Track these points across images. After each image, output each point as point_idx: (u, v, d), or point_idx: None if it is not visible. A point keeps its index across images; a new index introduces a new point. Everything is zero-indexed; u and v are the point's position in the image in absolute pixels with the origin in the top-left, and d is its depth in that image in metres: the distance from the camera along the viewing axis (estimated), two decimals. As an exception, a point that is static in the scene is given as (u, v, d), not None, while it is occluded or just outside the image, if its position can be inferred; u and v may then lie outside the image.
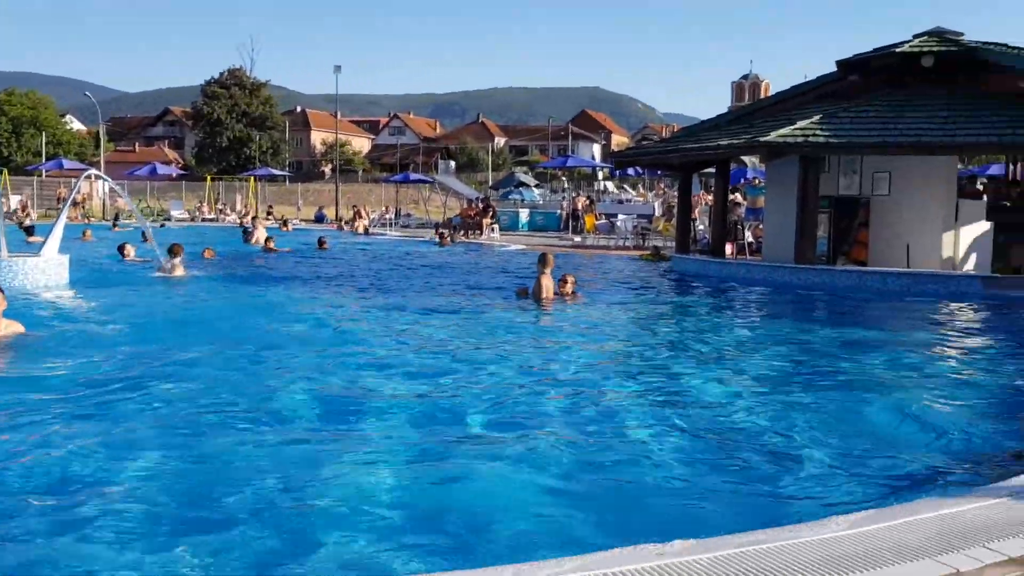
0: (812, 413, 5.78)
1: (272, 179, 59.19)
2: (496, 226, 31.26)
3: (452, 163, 70.80)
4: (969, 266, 13.83)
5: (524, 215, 37.05)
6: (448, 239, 25.91)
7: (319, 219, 42.20)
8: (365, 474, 4.30)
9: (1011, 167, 21.23)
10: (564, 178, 59.02)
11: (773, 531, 3.06)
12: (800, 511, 3.73)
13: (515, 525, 3.81)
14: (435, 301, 11.61)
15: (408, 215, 42.89)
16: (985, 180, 24.59)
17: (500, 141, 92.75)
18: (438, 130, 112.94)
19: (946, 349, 8.60)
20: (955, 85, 15.11)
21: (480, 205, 33.86)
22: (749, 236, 20.09)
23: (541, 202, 43.27)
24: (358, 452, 4.68)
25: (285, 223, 33.19)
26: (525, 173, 57.82)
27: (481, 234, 29.75)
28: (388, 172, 72.21)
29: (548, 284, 10.99)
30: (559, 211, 36.86)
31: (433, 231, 30.23)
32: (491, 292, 12.75)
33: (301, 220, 41.31)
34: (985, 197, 16.86)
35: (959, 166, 17.54)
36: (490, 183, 57.15)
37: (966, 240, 14.10)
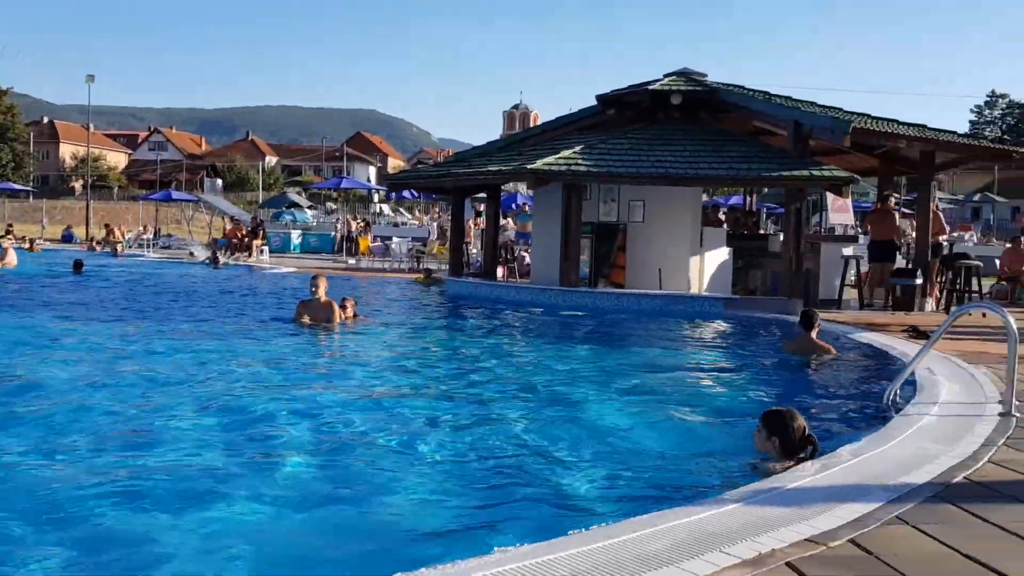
0: (566, 428, 6.02)
1: (13, 195, 53.94)
2: (266, 248, 30.25)
3: (219, 181, 67.77)
4: (713, 288, 15.02)
5: (296, 237, 36.14)
6: (219, 261, 24.80)
7: (67, 239, 38.97)
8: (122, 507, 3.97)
9: (748, 198, 23.39)
10: (339, 199, 58.24)
11: (522, 548, 3.13)
12: (552, 526, 3.85)
13: (267, 555, 3.67)
14: (207, 327, 11.03)
15: (169, 236, 40.54)
16: (727, 210, 26.94)
17: (272, 160, 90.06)
18: (204, 147, 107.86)
19: (691, 365, 9.27)
20: (699, 122, 16.46)
21: (249, 226, 32.64)
22: (527, 258, 20.72)
23: (315, 224, 42.39)
24: (120, 481, 4.32)
25: (32, 244, 30.31)
26: (298, 194, 56.42)
27: (250, 256, 28.67)
28: (147, 189, 67.94)
29: (326, 307, 10.75)
30: (333, 233, 36.28)
31: (189, 254, 28.77)
32: (265, 316, 12.30)
33: (47, 240, 37.94)
34: (725, 225, 18.44)
35: (704, 196, 19.09)
36: (260, 203, 55.26)
37: (710, 264, 15.32)
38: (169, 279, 19.89)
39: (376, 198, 52.88)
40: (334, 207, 53.65)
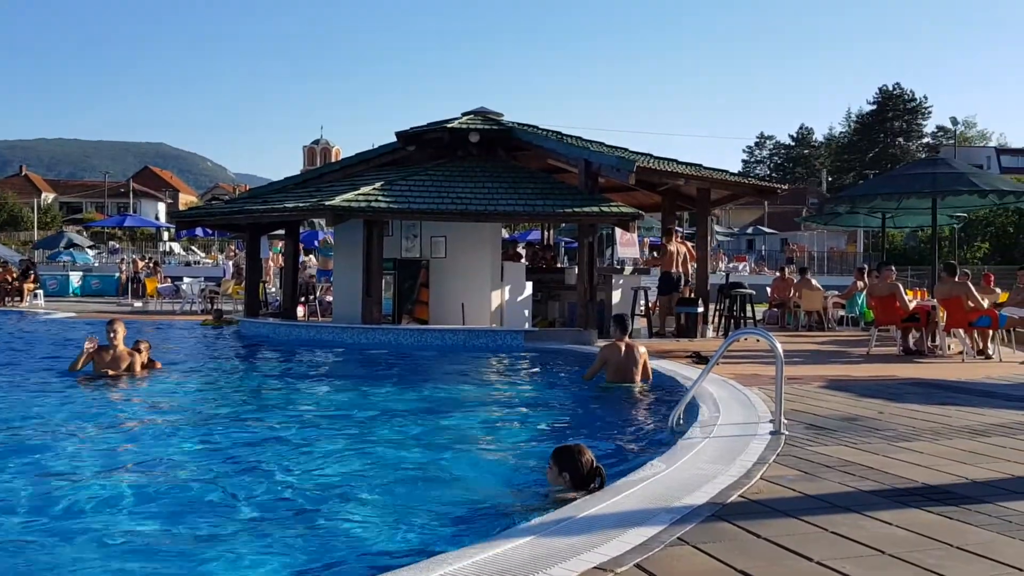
0: (363, 467, 5.92)
1: None
2: (40, 292, 27.91)
3: (-13, 220, 62.10)
4: (514, 320, 15.34)
5: (76, 279, 33.64)
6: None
7: None
8: None
9: (546, 233, 24.17)
10: (124, 238, 54.81)
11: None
12: (344, 572, 3.76)
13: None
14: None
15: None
16: (525, 244, 27.70)
17: (48, 197, 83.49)
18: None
19: (491, 399, 9.38)
20: (497, 159, 16.87)
21: (20, 268, 29.98)
22: (328, 296, 20.28)
23: (96, 264, 39.66)
24: None
25: None
26: (78, 232, 52.66)
27: (22, 301, 26.35)
28: (-100, 229, 61.08)
29: (126, 355, 9.97)
30: (118, 274, 34.08)
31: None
32: (41, 368, 11.30)
33: None
34: (524, 260, 18.94)
35: (504, 232, 19.52)
36: (35, 243, 51.04)
37: (511, 298, 15.66)
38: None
39: (166, 236, 50.27)
40: (118, 246, 50.50)
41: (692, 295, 16.03)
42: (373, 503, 5.10)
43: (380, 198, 14.55)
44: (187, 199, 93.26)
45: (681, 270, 15.71)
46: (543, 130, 17.46)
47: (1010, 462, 5.45)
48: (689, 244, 16.92)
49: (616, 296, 16.65)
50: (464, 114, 17.51)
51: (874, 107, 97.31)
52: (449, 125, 16.66)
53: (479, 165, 16.39)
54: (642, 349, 9.64)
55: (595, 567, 3.36)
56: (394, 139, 17.58)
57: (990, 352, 12.43)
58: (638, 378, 9.42)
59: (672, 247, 15.79)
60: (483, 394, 9.72)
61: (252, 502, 5.16)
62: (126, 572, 4.02)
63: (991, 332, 12.57)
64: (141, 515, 4.88)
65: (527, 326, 15.21)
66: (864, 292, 17.10)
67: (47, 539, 4.47)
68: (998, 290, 16.89)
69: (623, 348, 9.50)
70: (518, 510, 4.80)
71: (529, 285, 16.06)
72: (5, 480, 5.60)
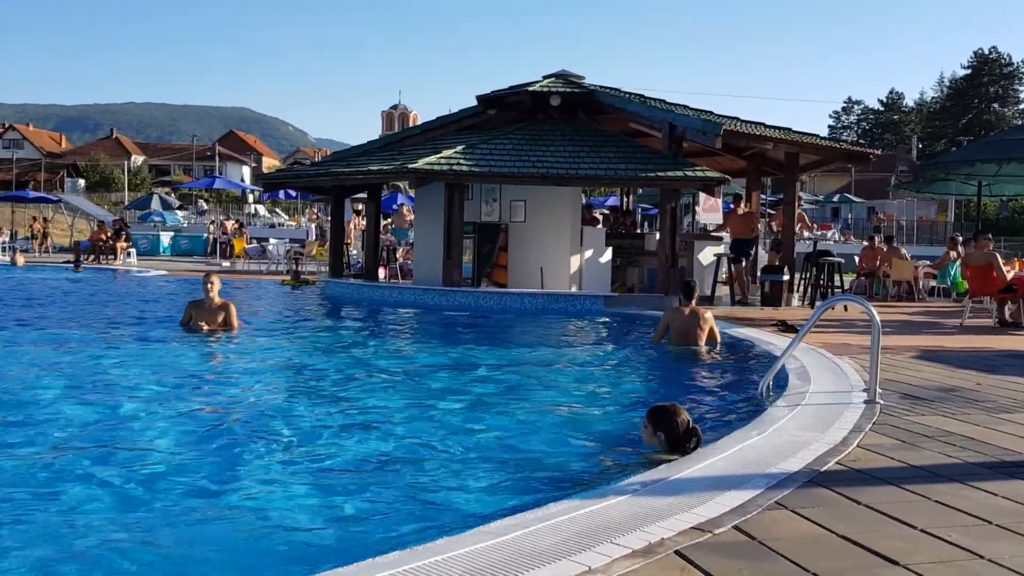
0: (453, 427, 6.02)
1: None
2: (132, 250, 28.95)
3: (81, 181, 64.48)
4: (593, 286, 15.29)
5: (166, 239, 34.77)
6: (79, 265, 23.60)
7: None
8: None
9: (624, 198, 23.95)
10: (211, 200, 56.30)
11: (412, 551, 3.09)
12: (441, 527, 3.83)
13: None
14: (82, 334, 10.45)
15: (27, 239, 38.26)
16: (606, 210, 27.50)
17: (138, 159, 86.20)
18: (64, 145, 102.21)
19: (575, 362, 9.40)
20: (578, 123, 16.73)
21: (113, 227, 31.15)
22: (406, 260, 20.56)
23: (185, 225, 40.86)
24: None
25: None
26: (167, 194, 54.28)
27: (115, 259, 27.39)
28: (2, 190, 63.89)
29: (222, 307, 10.22)
30: (206, 235, 35.08)
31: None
32: (146, 322, 11.76)
33: None
34: (601, 224, 18.82)
35: (583, 196, 19.41)
36: (126, 204, 52.84)
37: (590, 263, 15.60)
38: (31, 285, 18.76)
39: (251, 199, 51.45)
40: (206, 208, 51.88)
41: (779, 263, 15.72)
42: (468, 462, 5.17)
43: (462, 161, 14.61)
44: (270, 163, 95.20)
45: (752, 236, 15.54)
46: (626, 93, 17.22)
47: (1122, 438, 5.23)
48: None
49: (700, 262, 16.43)
50: (545, 77, 17.38)
51: (968, 71, 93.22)
52: (530, 88, 16.57)
53: (560, 128, 16.29)
54: (708, 315, 9.60)
55: (693, 527, 3.36)
56: (474, 103, 17.58)
57: (1093, 326, 11.89)
58: (702, 342, 9.43)
59: (740, 211, 15.51)
60: (566, 357, 9.75)
61: (343, 464, 5.29)
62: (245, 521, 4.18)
63: (1095, 305, 12.01)
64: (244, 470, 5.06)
65: (607, 291, 15.14)
66: (957, 262, 16.52)
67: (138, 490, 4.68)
68: (1103, 262, 16.11)
69: (686, 312, 9.54)
70: (612, 470, 4.82)
71: (609, 250, 15.96)
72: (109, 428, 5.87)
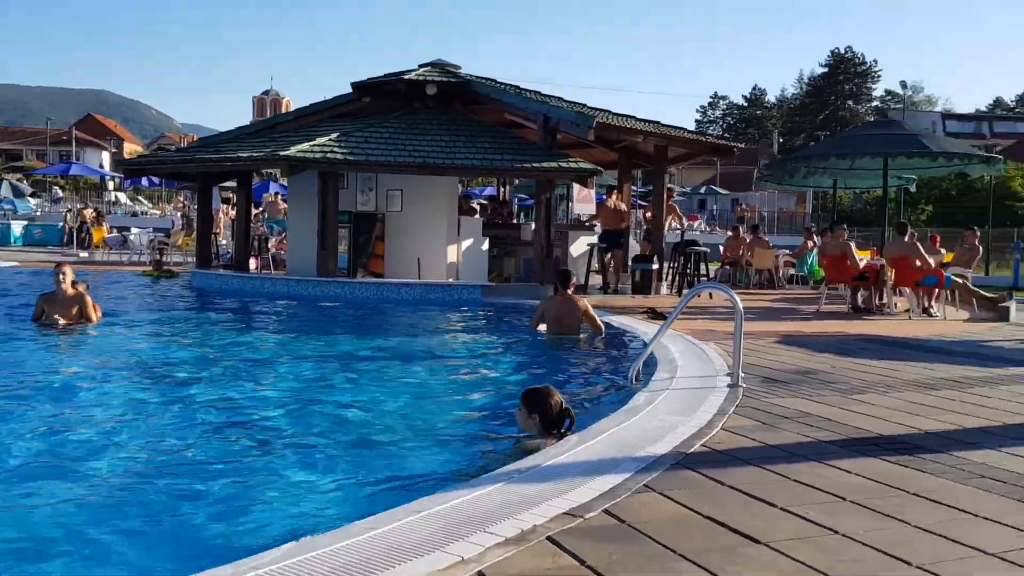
0: (324, 420, 5.90)
1: None
2: (-21, 240, 27.09)
3: (-80, 166, 59.86)
4: (470, 276, 15.31)
5: (17, 228, 32.69)
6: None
7: None
8: None
9: (501, 189, 24.07)
10: (67, 187, 53.31)
11: (279, 550, 3.00)
12: (310, 523, 3.75)
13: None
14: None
15: None
16: (484, 201, 27.56)
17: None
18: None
19: (452, 352, 9.40)
20: (454, 112, 16.68)
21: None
22: (278, 250, 20.03)
23: (39, 213, 38.53)
24: None
25: None
26: (19, 181, 51.06)
27: (-40, 249, 25.56)
28: None
29: (75, 298, 9.62)
30: (62, 224, 33.20)
31: None
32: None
33: None
34: (478, 215, 18.86)
35: (460, 186, 19.38)
36: (-27, 191, 49.35)
37: (467, 253, 15.60)
38: None
39: (111, 186, 48.99)
40: (61, 195, 49.11)
41: (649, 252, 16.15)
42: (338, 458, 5.08)
43: (336, 149, 14.33)
44: (132, 148, 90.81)
45: (622, 227, 15.97)
46: (501, 84, 17.28)
47: (960, 414, 5.63)
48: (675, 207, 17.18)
49: (573, 252, 16.69)
50: (421, 66, 17.25)
51: (825, 69, 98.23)
52: (406, 76, 16.40)
53: (436, 118, 16.20)
54: (582, 302, 9.79)
55: (564, 512, 3.40)
56: (349, 90, 17.26)
57: (934, 311, 12.76)
58: (578, 329, 9.62)
59: (611, 203, 15.89)
60: (442, 347, 9.73)
61: (210, 457, 5.11)
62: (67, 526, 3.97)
63: (936, 291, 12.89)
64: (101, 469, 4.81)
65: (484, 281, 15.19)
66: (814, 251, 17.38)
67: None
68: (943, 251, 17.29)
69: (560, 300, 9.71)
70: (487, 458, 4.83)
71: (486, 240, 16.01)
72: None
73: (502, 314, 12.63)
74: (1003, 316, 12.42)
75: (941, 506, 3.66)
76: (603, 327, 9.77)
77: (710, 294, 12.84)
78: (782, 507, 3.58)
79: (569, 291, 9.82)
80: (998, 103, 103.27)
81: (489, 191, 34.63)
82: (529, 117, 16.11)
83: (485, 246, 15.95)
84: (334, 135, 14.86)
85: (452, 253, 15.46)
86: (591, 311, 9.78)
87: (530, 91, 17.27)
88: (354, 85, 17.07)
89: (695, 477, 4.00)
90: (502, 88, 16.78)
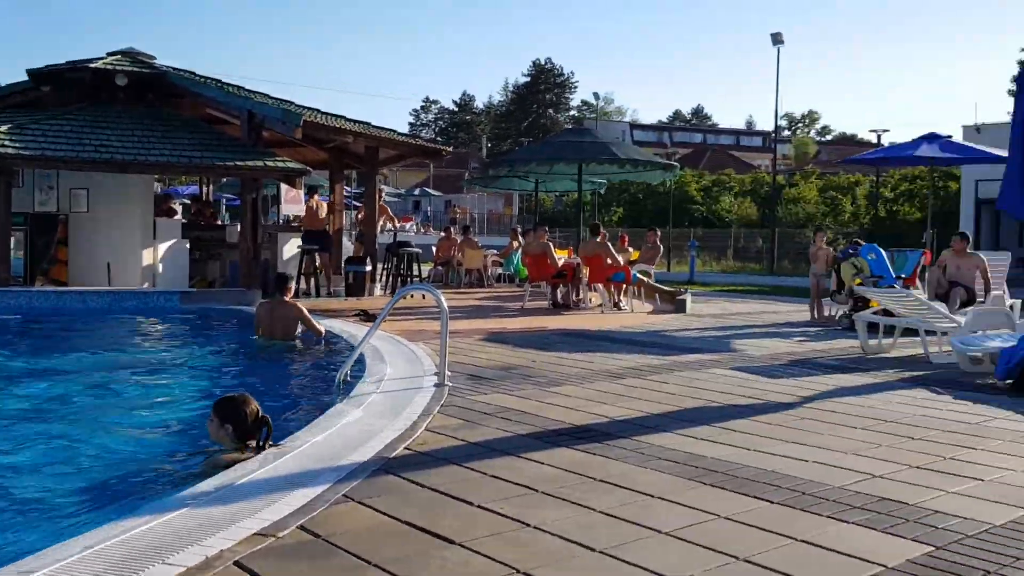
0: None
1: None
2: None
3: None
4: (170, 281, 14.32)
5: None
6: None
7: None
8: None
9: (205, 188, 22.80)
10: None
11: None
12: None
13: None
14: None
15: None
16: (187, 200, 25.96)
17: None
18: None
19: (143, 364, 8.70)
20: (151, 106, 15.51)
21: None
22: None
23: None
24: None
25: None
26: None
27: None
28: None
29: None
30: None
31: None
32: None
33: None
34: (180, 215, 17.74)
35: (158, 186, 18.11)
36: None
37: (165, 257, 14.58)
38: None
39: None
40: None
41: (362, 254, 16.04)
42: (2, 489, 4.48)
43: (7, 143, 12.76)
44: None
45: (324, 228, 15.82)
46: (202, 77, 16.32)
47: (642, 400, 6.10)
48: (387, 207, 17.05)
49: (284, 254, 16.17)
50: (110, 54, 15.85)
51: (528, 79, 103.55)
52: (92, 65, 14.97)
53: (128, 111, 14.96)
54: (298, 307, 9.48)
55: (255, 533, 3.22)
56: (25, 77, 15.48)
57: (623, 304, 13.84)
58: (294, 335, 9.32)
59: (312, 204, 15.69)
60: (134, 359, 8.97)
61: None
62: None
63: (624, 286, 13.98)
64: None
65: (185, 287, 14.27)
66: (519, 251, 18.20)
67: None
68: (631, 249, 18.83)
69: (273, 306, 9.37)
70: (176, 479, 4.47)
71: (186, 243, 15.05)
72: None
73: (206, 321, 11.93)
74: (680, 308, 13.74)
75: (623, 490, 3.92)
76: (323, 331, 9.51)
77: (423, 295, 12.99)
78: (479, 505, 3.65)
79: (287, 296, 9.42)
80: (677, 115, 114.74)
81: (192, 190, 32.74)
82: (233, 113, 15.37)
83: (186, 249, 14.99)
84: (5, 127, 13.22)
85: (148, 257, 14.37)
86: (307, 315, 9.47)
87: (233, 86, 16.49)
88: (31, 73, 15.32)
89: (396, 482, 3.97)
90: (202, 82, 15.85)
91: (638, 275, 14.46)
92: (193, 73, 16.42)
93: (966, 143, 16.70)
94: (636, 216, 43.73)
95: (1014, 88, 9.46)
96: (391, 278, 16.32)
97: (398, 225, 24.53)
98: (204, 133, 15.17)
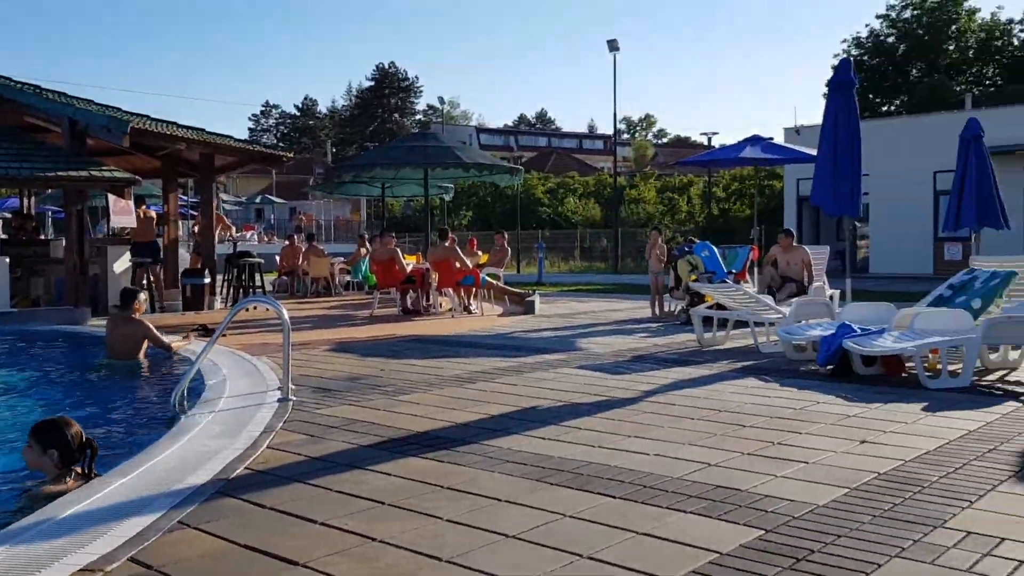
0: None
1: None
2: None
3: None
4: None
5: None
6: None
7: None
8: None
9: (26, 201, 21.28)
10: None
11: None
12: None
13: None
14: None
15: None
16: (8, 214, 24.15)
17: None
18: None
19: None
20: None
21: None
22: None
23: None
24: None
25: None
26: None
27: None
28: None
29: None
30: None
31: None
32: None
33: None
34: (1, 230, 16.49)
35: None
36: None
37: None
38: None
39: None
40: None
41: (200, 265, 15.39)
42: None
43: None
44: None
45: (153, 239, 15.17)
46: (17, 83, 15.22)
47: (491, 403, 6.14)
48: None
49: (116, 269, 15.30)
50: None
51: (372, 83, 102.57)
52: None
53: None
54: (144, 324, 9.00)
55: (82, 569, 3.02)
56: None
57: (473, 308, 13.91)
58: (139, 354, 8.81)
59: (140, 213, 15.01)
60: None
61: None
62: None
63: (474, 290, 14.07)
64: None
65: (7, 307, 13.25)
66: (367, 258, 17.97)
67: None
68: (480, 252, 18.95)
69: (117, 323, 8.87)
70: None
71: (5, 260, 13.98)
72: None
73: (27, 342, 11.12)
74: (529, 309, 13.95)
75: (471, 496, 3.92)
76: (174, 347, 9.03)
77: (267, 307, 12.59)
78: (322, 522, 3.56)
79: (135, 314, 8.85)
80: (522, 119, 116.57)
81: (13, 203, 30.52)
82: (53, 121, 14.41)
83: (6, 266, 13.92)
84: None
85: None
86: (155, 332, 8.94)
87: (53, 92, 15.47)
88: None
89: (235, 504, 3.82)
90: (18, 87, 14.78)
91: (487, 278, 14.58)
92: (8, 78, 15.30)
93: (787, 144, 17.75)
94: (485, 219, 44.11)
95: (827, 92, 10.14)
96: (232, 290, 15.76)
97: (237, 234, 23.73)
98: (21, 142, 14.18)
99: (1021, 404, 6.05)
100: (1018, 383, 6.99)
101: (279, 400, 6.18)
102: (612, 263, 33.12)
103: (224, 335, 7.80)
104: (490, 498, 3.88)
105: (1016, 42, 48.78)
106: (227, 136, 17.07)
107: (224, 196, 45.07)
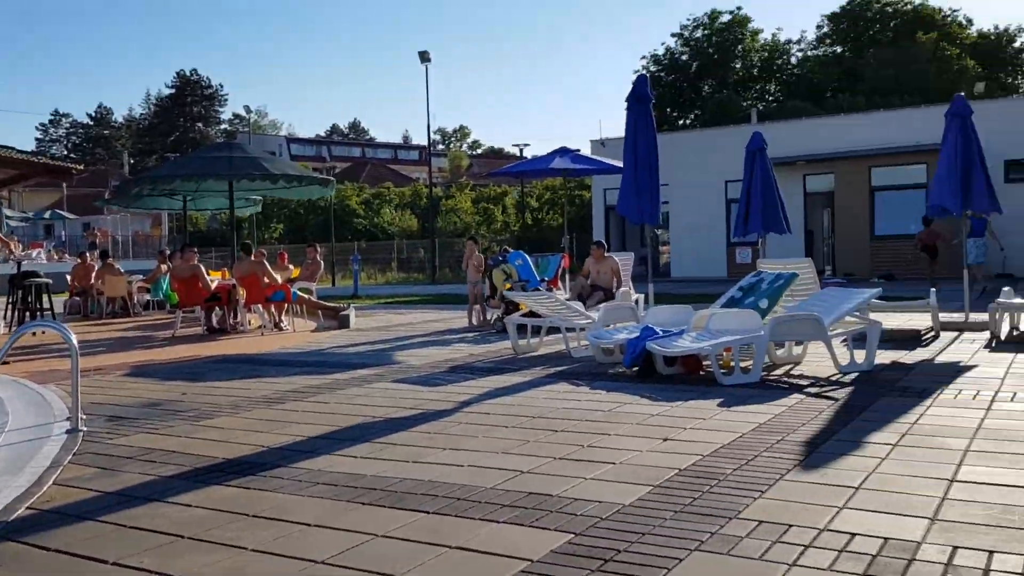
0: None
1: None
2: None
3: None
4: None
5: None
6: None
7: None
8: None
9: None
10: None
11: None
12: None
13: None
14: None
15: None
16: None
17: None
18: None
19: None
20: None
21: None
22: None
23: None
24: None
25: None
26: None
27: None
28: None
29: None
30: None
31: None
32: None
33: None
34: None
35: None
36: None
37: None
38: None
39: None
40: None
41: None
42: None
43: None
44: None
45: None
46: None
47: (301, 424, 5.95)
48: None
49: None
50: None
51: (173, 91, 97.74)
52: None
53: None
54: None
55: None
56: None
57: (284, 324, 13.49)
58: None
59: None
60: None
61: None
62: None
63: (286, 305, 13.64)
64: None
65: None
66: (168, 275, 17.05)
67: None
68: (291, 266, 18.41)
69: None
70: None
71: None
72: None
73: None
74: (344, 324, 13.69)
75: (279, 523, 3.76)
76: None
77: (49, 330, 11.66)
78: (115, 562, 3.30)
79: None
80: (335, 129, 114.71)
81: None
82: None
83: None
84: None
85: None
86: None
87: None
88: None
89: (15, 549, 3.48)
90: None
91: (299, 293, 14.18)
92: None
93: (593, 156, 18.42)
94: (297, 231, 43.03)
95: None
96: (17, 313, 14.49)
97: (22, 253, 21.90)
98: None
99: (804, 396, 6.54)
100: (802, 376, 7.56)
101: (68, 431, 5.72)
102: (430, 274, 33.19)
103: (6, 362, 7.15)
104: (299, 523, 3.74)
105: (794, 60, 53.18)
106: (8, 147, 15.71)
107: (8, 212, 41.48)
